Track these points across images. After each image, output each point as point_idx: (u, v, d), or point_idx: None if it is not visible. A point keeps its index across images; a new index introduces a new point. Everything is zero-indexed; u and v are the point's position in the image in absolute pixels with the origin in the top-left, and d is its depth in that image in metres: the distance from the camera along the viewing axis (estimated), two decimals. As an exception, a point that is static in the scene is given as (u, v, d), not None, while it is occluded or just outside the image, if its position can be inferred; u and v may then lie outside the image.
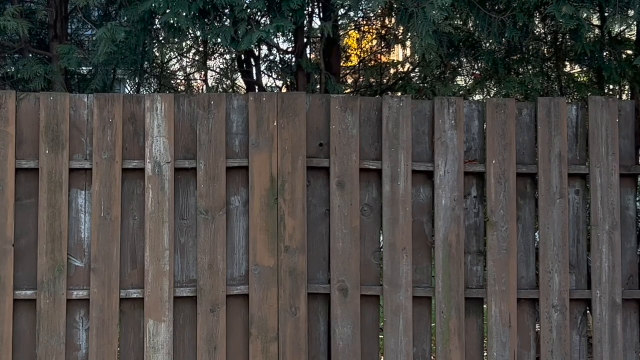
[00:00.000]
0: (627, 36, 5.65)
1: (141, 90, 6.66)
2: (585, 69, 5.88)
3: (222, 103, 3.71)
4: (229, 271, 3.66)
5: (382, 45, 6.75)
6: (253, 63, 5.68)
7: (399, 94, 6.15)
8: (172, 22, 4.25)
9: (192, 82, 7.46)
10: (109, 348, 3.58)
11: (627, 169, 3.87)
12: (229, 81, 6.77)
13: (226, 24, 4.50)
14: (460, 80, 6.52)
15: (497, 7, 4.79)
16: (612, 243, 3.80)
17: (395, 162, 3.74)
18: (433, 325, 3.75)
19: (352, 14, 5.92)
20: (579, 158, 3.89)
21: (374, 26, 6.70)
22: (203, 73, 6.74)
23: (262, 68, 5.87)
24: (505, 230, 3.76)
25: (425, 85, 6.18)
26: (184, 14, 4.25)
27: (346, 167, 3.71)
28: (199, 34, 5.12)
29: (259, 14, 4.59)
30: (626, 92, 6.12)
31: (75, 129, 3.66)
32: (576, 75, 6.21)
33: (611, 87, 5.86)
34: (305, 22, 5.06)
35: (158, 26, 5.03)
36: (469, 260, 3.79)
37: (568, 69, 6.22)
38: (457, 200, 3.75)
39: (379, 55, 6.95)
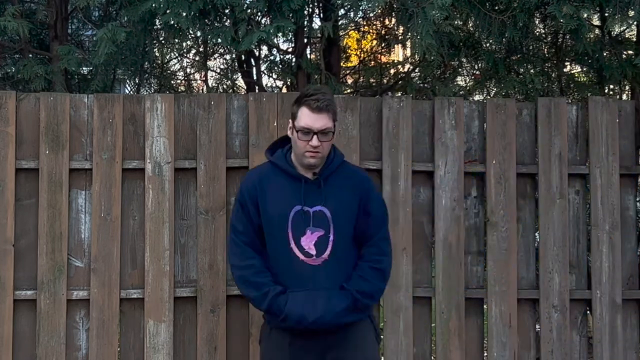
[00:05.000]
0: (627, 36, 5.65)
1: (141, 90, 6.66)
2: (585, 69, 5.87)
3: (222, 103, 3.71)
4: (229, 271, 3.64)
5: (382, 45, 6.73)
6: (253, 63, 5.68)
7: (399, 94, 6.15)
8: (172, 22, 4.24)
9: (192, 82, 7.45)
10: (109, 348, 3.58)
11: (627, 169, 3.88)
12: (229, 81, 6.76)
13: (226, 24, 4.50)
14: (460, 80, 6.52)
15: (497, 7, 4.79)
16: (612, 243, 3.80)
17: (395, 162, 3.74)
18: (433, 325, 3.75)
19: (352, 14, 5.92)
20: (579, 158, 3.89)
21: (374, 26, 6.69)
22: (203, 73, 6.74)
23: (262, 68, 5.86)
24: (505, 230, 3.76)
25: (425, 85, 6.18)
26: (184, 14, 4.25)
27: (346, 167, 3.70)
28: (199, 34, 5.12)
29: (259, 14, 4.58)
30: (626, 92, 6.12)
31: (75, 129, 3.66)
32: (576, 75, 6.21)
33: (611, 87, 5.86)
34: (305, 22, 5.06)
35: (158, 26, 5.03)
36: (469, 260, 3.79)
37: (568, 68, 6.22)
38: (457, 200, 3.75)
39: (379, 55, 6.94)
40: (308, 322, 2.84)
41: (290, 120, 2.96)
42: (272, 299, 2.86)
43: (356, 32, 6.87)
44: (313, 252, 2.88)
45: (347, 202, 2.95)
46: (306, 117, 2.87)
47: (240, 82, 6.61)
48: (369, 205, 3.00)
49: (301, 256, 2.88)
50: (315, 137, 2.86)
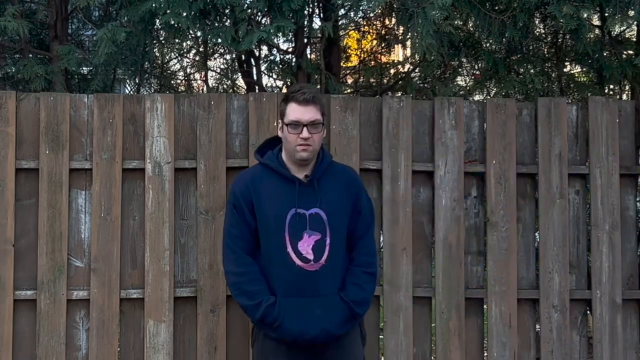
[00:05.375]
0: (627, 36, 5.65)
1: (141, 90, 6.65)
2: (585, 69, 5.87)
3: (222, 103, 3.71)
4: (229, 271, 3.65)
5: (382, 45, 6.72)
6: (253, 63, 5.67)
7: (399, 94, 6.14)
8: (172, 22, 4.23)
9: (192, 82, 7.44)
10: (109, 348, 3.58)
11: (627, 169, 3.88)
12: (229, 81, 6.75)
13: (226, 24, 4.49)
14: (460, 80, 6.51)
15: (497, 7, 4.78)
16: (612, 243, 3.80)
17: (395, 162, 3.74)
18: (433, 325, 3.75)
19: (352, 14, 5.91)
20: (579, 158, 3.89)
21: (374, 26, 6.68)
22: (203, 73, 6.72)
23: (262, 68, 5.85)
24: (505, 230, 3.76)
25: (425, 85, 6.17)
26: (184, 14, 4.24)
27: (346, 167, 3.70)
28: (199, 34, 5.11)
29: (259, 14, 4.58)
30: (626, 92, 6.12)
31: (75, 129, 3.66)
32: (576, 75, 6.20)
33: (611, 87, 5.85)
34: (306, 22, 5.05)
35: (158, 26, 5.02)
36: (469, 260, 3.80)
37: (568, 68, 6.21)
38: (457, 200, 3.75)
39: (379, 55, 6.93)
40: (306, 340, 2.86)
41: (279, 120, 2.98)
42: (265, 309, 2.86)
43: (356, 32, 6.86)
44: (311, 257, 2.88)
45: (341, 203, 2.96)
46: (295, 111, 2.89)
47: (240, 82, 6.60)
48: (359, 204, 3.03)
49: (298, 261, 2.87)
50: (305, 129, 2.88)
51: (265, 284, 2.91)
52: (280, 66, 6.03)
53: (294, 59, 5.49)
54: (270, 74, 6.18)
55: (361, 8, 5.32)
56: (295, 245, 2.88)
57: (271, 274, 2.91)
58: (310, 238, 2.89)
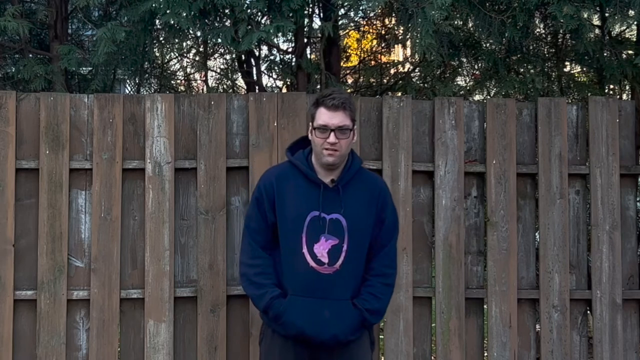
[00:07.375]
0: (627, 36, 5.65)
1: (141, 90, 6.64)
2: (585, 69, 5.86)
3: (222, 103, 3.71)
4: (229, 271, 3.66)
5: (382, 45, 6.73)
6: (253, 63, 5.66)
7: (399, 94, 6.14)
8: (172, 22, 4.24)
9: (192, 82, 7.43)
10: (109, 348, 3.58)
11: (627, 169, 3.88)
12: (229, 81, 6.74)
13: (226, 24, 4.49)
14: (460, 80, 6.51)
15: (497, 7, 4.78)
16: (612, 243, 3.80)
17: (395, 162, 3.74)
18: (433, 325, 3.75)
19: (352, 13, 5.91)
20: (579, 158, 3.89)
21: (374, 26, 6.68)
22: (203, 73, 6.72)
23: (262, 68, 5.84)
24: (505, 230, 3.76)
25: (425, 85, 6.16)
26: (184, 14, 4.24)
27: (346, 167, 3.69)
28: (199, 34, 5.11)
29: (259, 14, 4.58)
30: (626, 92, 6.12)
31: (75, 129, 3.66)
32: (576, 75, 6.20)
33: (611, 87, 5.85)
34: (305, 22, 5.05)
35: (158, 26, 5.02)
36: (469, 260, 3.80)
37: (568, 68, 6.21)
38: (457, 200, 3.75)
39: (379, 55, 6.93)
40: (315, 342, 2.86)
41: (310, 123, 2.98)
42: (269, 301, 2.88)
43: (356, 32, 6.86)
44: (325, 260, 2.89)
45: (364, 213, 2.96)
46: (323, 115, 2.90)
47: (240, 82, 6.60)
48: (384, 215, 3.02)
49: (312, 263, 2.88)
50: (332, 134, 2.88)
51: (274, 278, 2.93)
52: (280, 66, 6.02)
53: (294, 59, 5.49)
54: (270, 74, 6.18)
55: (361, 8, 5.33)
56: (311, 247, 2.89)
57: (285, 272, 2.92)
58: (327, 242, 2.89)
